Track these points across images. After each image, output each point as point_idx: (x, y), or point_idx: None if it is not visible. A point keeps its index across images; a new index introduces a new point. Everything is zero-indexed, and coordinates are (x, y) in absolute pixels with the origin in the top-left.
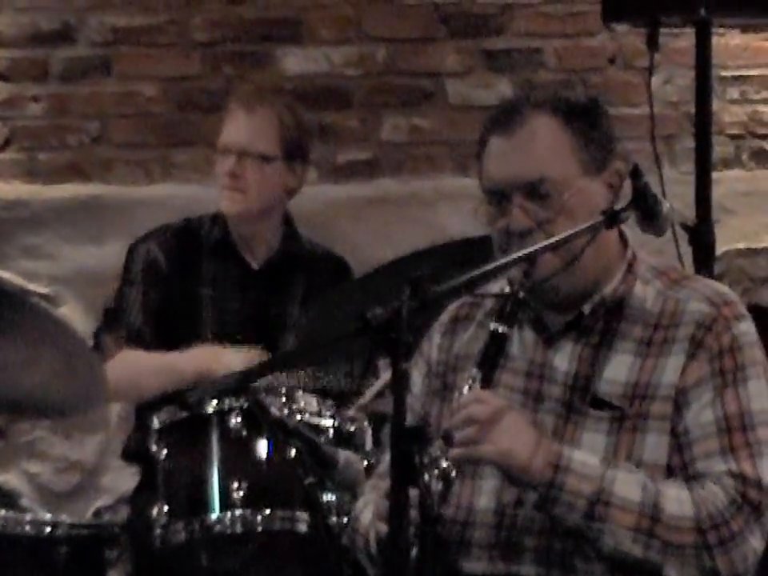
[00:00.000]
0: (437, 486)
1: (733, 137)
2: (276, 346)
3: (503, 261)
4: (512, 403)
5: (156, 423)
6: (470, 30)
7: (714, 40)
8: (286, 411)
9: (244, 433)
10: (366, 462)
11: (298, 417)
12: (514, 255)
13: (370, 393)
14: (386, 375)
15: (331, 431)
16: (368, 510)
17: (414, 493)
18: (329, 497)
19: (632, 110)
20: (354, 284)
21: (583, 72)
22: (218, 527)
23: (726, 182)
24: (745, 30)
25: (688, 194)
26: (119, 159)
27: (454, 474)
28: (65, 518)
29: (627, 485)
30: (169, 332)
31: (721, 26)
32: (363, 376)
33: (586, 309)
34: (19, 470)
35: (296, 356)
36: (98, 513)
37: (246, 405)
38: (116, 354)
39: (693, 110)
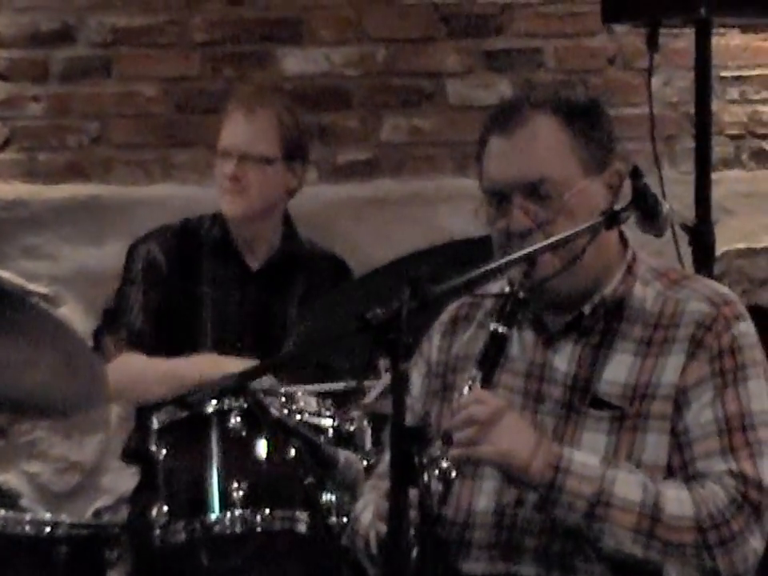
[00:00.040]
0: (437, 487)
1: (733, 137)
2: (275, 346)
3: (503, 261)
4: (512, 404)
5: (156, 423)
6: (469, 30)
7: (714, 40)
8: (285, 411)
9: (244, 433)
10: (365, 462)
11: (298, 417)
12: (514, 255)
13: (372, 393)
14: (387, 375)
15: (331, 431)
16: (368, 510)
17: (413, 493)
18: (329, 497)
19: (632, 111)
20: (354, 284)
21: (583, 72)
22: (217, 527)
23: (725, 183)
24: (745, 30)
25: (688, 194)
26: (119, 159)
27: (453, 474)
28: (65, 518)
29: (627, 485)
30: (169, 332)
31: (721, 26)
32: (363, 376)
33: (586, 309)
34: (19, 470)
35: (296, 356)
36: (97, 513)
37: (246, 405)
38: (116, 355)
39: (693, 110)
